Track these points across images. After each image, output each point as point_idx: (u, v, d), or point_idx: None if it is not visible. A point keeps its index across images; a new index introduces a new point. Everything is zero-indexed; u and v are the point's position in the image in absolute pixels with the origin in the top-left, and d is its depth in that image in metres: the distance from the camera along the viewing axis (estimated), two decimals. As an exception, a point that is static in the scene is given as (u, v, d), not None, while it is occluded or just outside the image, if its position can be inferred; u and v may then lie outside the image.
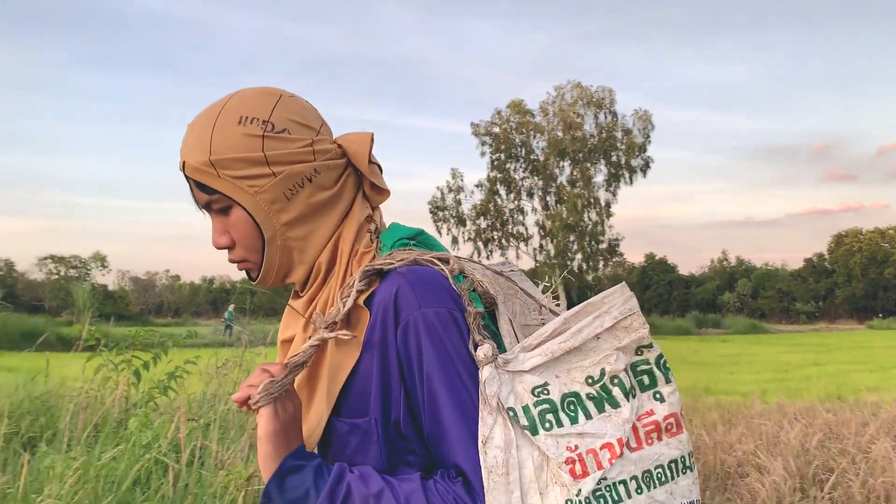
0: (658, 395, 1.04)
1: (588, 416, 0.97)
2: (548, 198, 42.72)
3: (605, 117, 41.70)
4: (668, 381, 1.05)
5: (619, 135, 41.48)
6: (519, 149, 42.51)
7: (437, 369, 0.97)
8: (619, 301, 1.03)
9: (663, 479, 1.00)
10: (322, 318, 1.02)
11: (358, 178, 1.14)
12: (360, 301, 1.02)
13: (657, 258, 63.37)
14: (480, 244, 43.16)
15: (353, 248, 1.09)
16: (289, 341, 1.14)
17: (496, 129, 42.45)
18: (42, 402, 4.94)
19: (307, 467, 0.99)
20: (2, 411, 4.21)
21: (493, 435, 0.94)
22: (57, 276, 63.07)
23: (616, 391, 1.00)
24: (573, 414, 0.97)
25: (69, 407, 4.40)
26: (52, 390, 5.19)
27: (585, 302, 1.03)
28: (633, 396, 1.01)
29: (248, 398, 1.00)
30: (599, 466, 0.95)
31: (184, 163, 1.07)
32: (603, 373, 1.00)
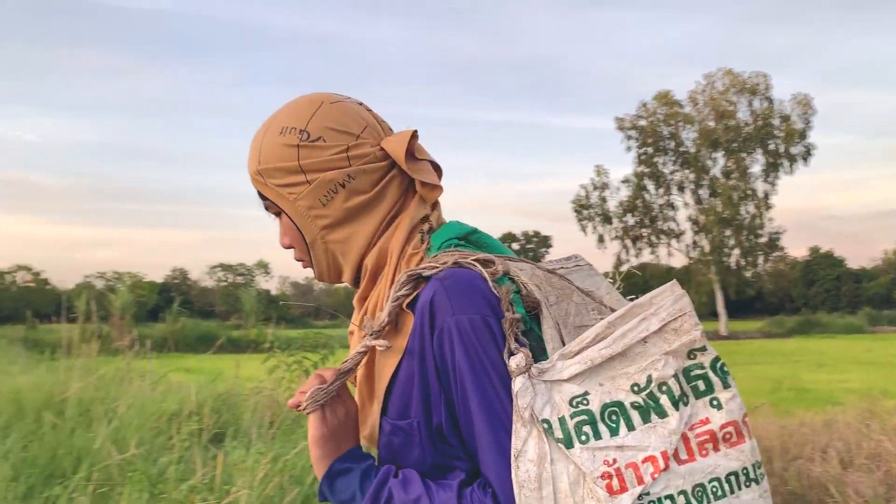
0: (715, 402, 0.95)
1: (630, 428, 0.91)
2: (700, 191, 41.04)
3: (761, 104, 39.53)
4: (726, 387, 0.96)
5: (776, 121, 39.20)
6: (667, 141, 41.14)
7: (470, 378, 0.96)
8: (668, 301, 0.96)
9: (720, 493, 0.92)
10: (371, 323, 1.03)
11: (410, 178, 1.13)
12: (404, 305, 1.02)
13: (822, 251, 59.28)
14: (628, 242, 42.15)
15: (402, 249, 1.09)
16: (352, 333, 1.18)
17: (642, 123, 41.30)
18: (223, 401, 5.33)
19: (355, 470, 1.04)
20: (199, 407, 4.57)
21: (527, 448, 0.91)
22: (225, 283, 67.61)
23: (664, 399, 0.93)
24: (614, 425, 0.91)
25: (249, 405, 4.73)
26: (232, 389, 5.59)
27: (632, 303, 0.97)
28: (685, 404, 0.93)
29: (300, 404, 1.06)
30: (640, 481, 0.89)
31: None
32: (650, 380, 0.93)
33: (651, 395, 0.93)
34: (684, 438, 0.93)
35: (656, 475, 0.90)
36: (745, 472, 0.94)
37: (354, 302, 1.16)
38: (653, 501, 0.90)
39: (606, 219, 42.32)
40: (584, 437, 0.90)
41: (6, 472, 3.96)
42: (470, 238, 1.12)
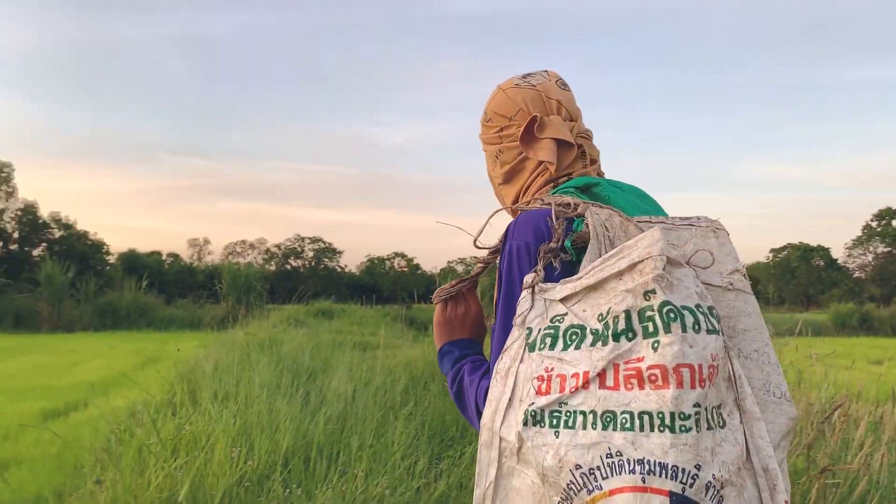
0: (656, 344, 0.99)
1: (578, 347, 1.04)
2: None
3: None
4: (667, 332, 0.99)
5: None
6: None
7: (504, 289, 1.22)
8: (644, 244, 1.05)
9: (627, 425, 0.98)
10: (488, 247, 1.31)
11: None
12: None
13: None
14: None
15: (535, 194, 1.37)
16: None
17: None
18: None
19: (454, 353, 1.36)
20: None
21: (513, 346, 1.12)
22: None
23: (610, 330, 1.03)
24: (569, 343, 1.06)
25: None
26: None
27: (625, 244, 1.08)
28: (628, 339, 1.01)
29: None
30: (561, 390, 1.03)
31: None
32: (609, 311, 1.04)
33: (606, 325, 1.04)
34: (615, 368, 1.01)
35: (574, 390, 1.02)
36: (660, 416, 0.97)
37: None
38: (570, 412, 1.01)
39: None
40: (541, 346, 1.08)
41: (411, 431, 4.59)
42: (592, 189, 1.31)
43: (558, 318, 1.09)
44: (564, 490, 0.99)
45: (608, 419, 0.99)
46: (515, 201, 1.42)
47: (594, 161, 1.41)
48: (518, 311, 1.13)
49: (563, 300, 1.09)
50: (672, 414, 0.97)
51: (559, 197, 1.24)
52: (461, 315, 1.40)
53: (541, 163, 1.38)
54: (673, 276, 1.04)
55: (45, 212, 40.82)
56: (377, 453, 4.13)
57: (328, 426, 4.52)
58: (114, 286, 28.91)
